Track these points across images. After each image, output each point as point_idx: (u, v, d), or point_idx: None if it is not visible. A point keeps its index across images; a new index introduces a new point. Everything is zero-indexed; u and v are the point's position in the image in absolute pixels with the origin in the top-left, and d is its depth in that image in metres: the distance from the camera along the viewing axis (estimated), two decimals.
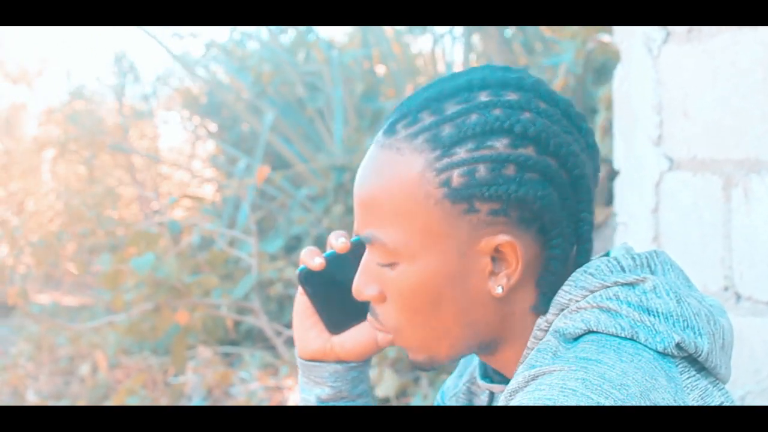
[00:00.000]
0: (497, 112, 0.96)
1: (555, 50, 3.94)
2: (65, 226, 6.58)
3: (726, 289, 1.93)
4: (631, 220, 2.20)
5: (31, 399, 4.31)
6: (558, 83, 3.19)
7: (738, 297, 1.90)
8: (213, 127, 6.29)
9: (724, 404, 0.98)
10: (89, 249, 6.24)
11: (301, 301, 1.16)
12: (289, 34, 5.59)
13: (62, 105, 7.59)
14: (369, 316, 1.07)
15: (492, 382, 1.10)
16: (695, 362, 0.98)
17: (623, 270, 1.00)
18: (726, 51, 1.90)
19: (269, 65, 5.25)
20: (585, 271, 1.00)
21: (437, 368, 1.06)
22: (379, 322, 1.05)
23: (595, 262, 1.01)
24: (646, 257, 1.02)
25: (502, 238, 0.96)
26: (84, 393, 4.29)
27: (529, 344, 1.01)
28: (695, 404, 0.96)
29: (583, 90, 3.24)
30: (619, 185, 2.28)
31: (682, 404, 0.93)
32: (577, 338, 0.97)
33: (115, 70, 7.19)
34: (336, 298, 1.13)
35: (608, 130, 2.72)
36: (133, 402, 3.69)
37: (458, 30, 4.75)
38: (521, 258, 0.97)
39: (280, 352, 3.72)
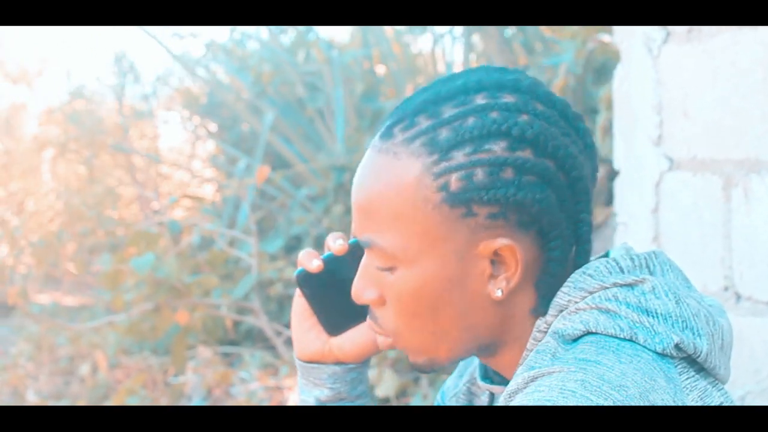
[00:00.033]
0: (494, 115, 0.96)
1: (555, 50, 3.93)
2: (65, 225, 6.58)
3: (726, 289, 1.93)
4: (631, 220, 2.20)
5: (31, 399, 4.31)
6: (558, 83, 3.19)
7: (738, 297, 1.90)
8: (213, 127, 6.29)
9: (723, 404, 0.98)
10: (89, 249, 6.24)
11: (299, 303, 1.16)
12: (289, 34, 5.59)
13: (62, 105, 7.59)
14: (369, 320, 1.07)
15: (492, 383, 1.10)
16: (694, 363, 0.98)
17: (622, 271, 1.00)
18: (726, 51, 1.90)
19: (269, 65, 5.25)
20: (584, 273, 1.00)
21: (437, 370, 1.06)
22: (379, 326, 1.05)
23: (594, 264, 1.01)
24: (645, 258, 1.02)
25: (501, 242, 0.96)
26: (84, 393, 4.29)
27: (528, 346, 1.01)
28: (694, 405, 0.96)
29: (583, 90, 3.23)
30: (619, 185, 2.28)
31: (681, 405, 0.93)
32: (576, 339, 0.97)
33: (115, 70, 7.19)
34: (334, 299, 1.13)
35: (608, 130, 2.72)
36: (133, 402, 3.69)
37: (458, 30, 4.75)
38: (520, 261, 0.97)
39: (280, 352, 3.72)
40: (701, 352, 0.97)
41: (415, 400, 3.08)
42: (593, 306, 0.97)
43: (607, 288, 0.98)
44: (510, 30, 4.33)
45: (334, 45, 5.45)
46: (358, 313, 1.11)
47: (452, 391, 1.22)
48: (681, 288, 1.01)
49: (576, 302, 0.99)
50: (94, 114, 7.21)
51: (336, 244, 1.12)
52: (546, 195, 0.96)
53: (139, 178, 7.18)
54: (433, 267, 0.98)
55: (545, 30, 4.12)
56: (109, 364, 4.28)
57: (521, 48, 4.36)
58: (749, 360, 1.89)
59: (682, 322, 0.97)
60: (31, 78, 8.77)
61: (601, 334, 0.96)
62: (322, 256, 1.13)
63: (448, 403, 1.22)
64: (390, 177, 0.98)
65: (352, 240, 1.11)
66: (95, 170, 7.22)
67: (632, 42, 2.15)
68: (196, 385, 3.76)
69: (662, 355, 0.95)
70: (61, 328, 4.56)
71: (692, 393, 0.96)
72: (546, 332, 1.00)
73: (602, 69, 3.32)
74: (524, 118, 0.96)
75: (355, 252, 1.08)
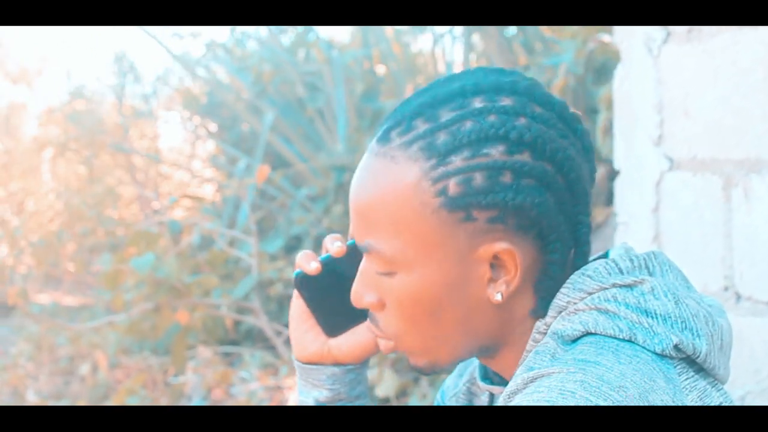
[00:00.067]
0: (492, 118, 0.95)
1: (555, 50, 3.93)
2: (65, 225, 6.58)
3: (726, 288, 1.93)
4: (631, 220, 2.20)
5: (31, 399, 4.31)
6: (558, 83, 3.19)
7: (738, 297, 1.90)
8: (213, 127, 6.29)
9: (722, 405, 0.98)
10: (89, 249, 6.24)
11: (298, 305, 1.16)
12: (289, 34, 5.59)
13: (62, 105, 7.59)
14: (369, 323, 1.06)
15: (492, 383, 1.10)
16: (693, 363, 0.98)
17: (621, 272, 1.00)
18: (726, 50, 1.90)
19: (269, 65, 5.25)
20: (583, 274, 1.00)
21: (438, 372, 1.06)
22: (379, 329, 1.04)
23: (593, 265, 1.01)
24: (645, 258, 1.02)
25: (501, 246, 0.96)
26: (84, 393, 4.29)
27: (527, 347, 1.01)
28: (694, 405, 0.95)
29: (583, 90, 3.23)
30: (619, 185, 2.28)
31: (681, 405, 0.93)
32: (575, 340, 0.97)
33: (115, 69, 7.20)
34: (332, 301, 1.13)
35: (609, 130, 2.72)
36: (133, 402, 3.69)
37: (458, 30, 4.75)
38: (520, 265, 0.97)
39: (280, 352, 3.72)
40: (700, 353, 0.97)
41: (413, 400, 3.08)
42: (592, 307, 0.97)
43: (607, 289, 0.98)
44: (510, 30, 4.33)
45: (334, 45, 5.45)
46: (356, 315, 1.11)
47: (452, 390, 1.22)
48: (680, 288, 1.01)
49: (575, 303, 0.99)
50: (94, 114, 7.21)
51: (334, 246, 1.11)
52: (545, 198, 0.96)
53: (139, 178, 7.18)
54: (433, 271, 0.98)
55: (545, 30, 4.11)
56: (109, 364, 4.28)
57: (521, 48, 4.36)
58: (749, 360, 1.89)
59: (682, 322, 0.97)
60: (31, 78, 8.77)
61: (600, 334, 0.96)
62: (320, 258, 1.13)
63: (447, 403, 1.22)
64: (388, 182, 0.97)
65: (350, 241, 1.11)
66: (95, 170, 7.22)
67: (632, 42, 2.15)
68: (196, 385, 3.76)
69: (661, 356, 0.95)
70: (61, 328, 4.56)
71: (691, 393, 0.96)
72: (545, 333, 1.00)
73: (602, 69, 3.32)
74: (522, 121, 0.96)
75: (354, 253, 1.08)
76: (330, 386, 1.15)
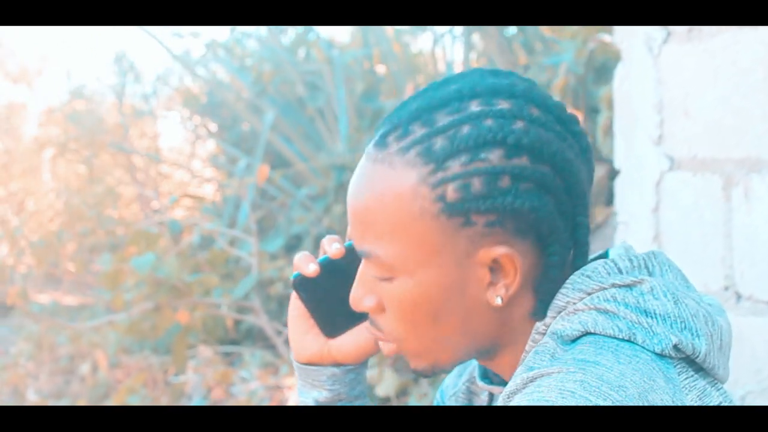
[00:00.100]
0: (489, 122, 0.95)
1: (555, 50, 3.93)
2: (65, 225, 6.58)
3: (726, 288, 1.93)
4: (631, 220, 2.20)
5: (32, 398, 4.31)
6: (558, 83, 3.19)
7: (738, 296, 1.90)
8: (213, 126, 6.29)
9: (722, 404, 0.98)
10: (89, 248, 6.24)
11: (296, 306, 1.15)
12: (289, 33, 5.59)
13: (62, 104, 7.59)
14: (369, 326, 1.06)
15: (491, 383, 1.10)
16: (693, 363, 0.98)
17: (620, 272, 1.00)
18: (727, 50, 1.90)
19: (269, 64, 5.25)
20: (582, 274, 1.00)
21: (438, 374, 1.06)
22: (380, 331, 1.04)
23: (593, 265, 1.00)
24: (644, 258, 1.02)
25: (500, 250, 0.96)
26: (84, 392, 4.30)
27: (527, 347, 1.01)
28: (693, 405, 0.95)
29: (584, 90, 3.23)
30: (619, 185, 2.28)
31: (680, 405, 0.93)
32: (574, 340, 0.97)
33: (115, 69, 7.20)
34: (331, 302, 1.12)
35: (610, 129, 2.72)
36: (133, 401, 3.69)
37: (458, 29, 4.75)
38: (519, 268, 0.96)
39: (281, 352, 3.72)
40: (700, 353, 0.97)
41: (413, 399, 3.08)
42: (592, 306, 0.97)
43: (606, 289, 0.98)
44: (510, 30, 4.33)
45: (335, 45, 5.45)
46: (356, 315, 1.10)
47: (452, 390, 1.22)
48: (680, 288, 1.01)
49: (574, 303, 0.99)
50: (94, 114, 7.21)
51: (332, 247, 1.11)
52: (543, 202, 0.95)
53: (140, 178, 7.18)
54: (432, 276, 0.98)
55: (545, 30, 4.11)
56: (109, 364, 4.28)
57: (521, 48, 4.36)
58: (750, 359, 1.89)
59: (681, 322, 0.97)
60: (31, 77, 8.77)
61: (599, 334, 0.96)
62: (318, 260, 1.13)
63: (447, 402, 1.22)
64: (386, 188, 0.97)
65: (347, 243, 1.11)
66: (95, 170, 7.22)
67: (633, 41, 2.15)
68: (196, 384, 3.76)
69: (661, 356, 0.95)
70: (61, 327, 4.56)
71: (691, 393, 0.96)
72: (544, 333, 1.00)
73: (603, 68, 3.32)
74: (520, 125, 0.95)
75: (352, 254, 1.08)
76: (330, 386, 1.15)
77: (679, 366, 0.96)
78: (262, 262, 4.01)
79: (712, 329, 0.99)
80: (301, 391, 1.18)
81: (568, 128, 0.99)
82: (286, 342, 3.75)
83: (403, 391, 3.19)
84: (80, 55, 13.12)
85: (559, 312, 0.99)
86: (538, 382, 0.92)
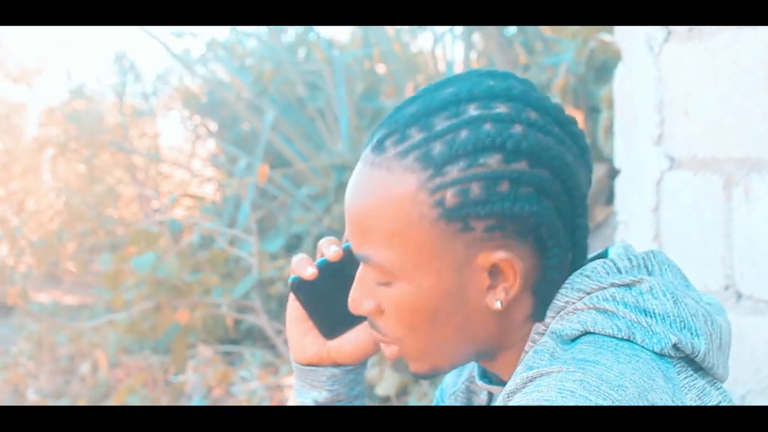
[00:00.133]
0: (487, 127, 0.94)
1: (555, 49, 3.93)
2: (65, 225, 6.58)
3: (727, 288, 1.93)
4: (631, 219, 2.20)
5: (32, 398, 4.31)
6: (559, 82, 3.19)
7: (739, 296, 1.90)
8: (213, 126, 6.29)
9: (721, 403, 0.98)
10: (89, 248, 6.24)
11: (294, 308, 1.15)
12: (289, 33, 5.59)
13: (62, 104, 7.59)
14: (370, 329, 1.06)
15: (490, 382, 1.10)
16: (692, 362, 0.98)
17: (619, 271, 1.00)
18: (727, 50, 1.90)
19: (270, 64, 5.25)
20: (581, 274, 1.00)
21: (437, 377, 1.06)
22: (382, 334, 1.04)
23: (592, 265, 1.00)
24: (643, 258, 1.02)
25: (500, 255, 0.96)
26: (84, 392, 4.30)
27: (526, 347, 1.01)
28: (693, 404, 0.96)
29: (584, 89, 3.23)
30: (619, 184, 2.28)
31: (680, 404, 0.93)
32: (574, 339, 0.97)
33: (115, 69, 7.20)
34: (329, 304, 1.12)
35: (611, 129, 2.72)
36: (133, 401, 3.69)
37: (458, 29, 4.75)
38: (519, 273, 0.96)
39: (281, 351, 3.72)
40: (699, 352, 0.97)
41: (413, 399, 3.08)
42: (591, 306, 0.97)
43: (605, 288, 0.98)
44: (510, 29, 4.33)
45: (335, 44, 5.45)
46: (354, 316, 1.10)
47: (451, 388, 1.22)
48: (679, 287, 1.01)
49: (573, 303, 0.99)
50: (94, 113, 7.21)
51: (330, 250, 1.10)
52: (543, 206, 0.95)
53: (140, 178, 7.18)
54: (431, 281, 0.97)
55: (545, 29, 4.11)
56: (109, 363, 4.28)
57: (521, 47, 4.36)
58: (750, 359, 1.89)
59: (680, 321, 0.97)
60: (31, 77, 8.77)
61: (599, 334, 0.96)
62: (315, 262, 1.12)
63: (447, 401, 1.22)
64: (384, 193, 0.96)
65: (345, 244, 1.11)
66: (95, 169, 7.22)
67: (633, 41, 2.15)
68: (196, 384, 3.76)
69: (660, 355, 0.95)
70: (61, 327, 4.56)
71: (690, 392, 0.96)
72: (544, 333, 0.99)
73: (603, 68, 3.32)
74: (518, 129, 0.95)
75: (350, 256, 1.07)
76: (329, 387, 1.15)
77: (678, 365, 0.97)
78: (262, 262, 4.01)
79: (712, 328, 0.99)
80: (299, 392, 1.17)
81: (566, 130, 0.98)
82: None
83: (403, 391, 3.19)
84: (80, 54, 13.13)
85: (559, 312, 0.99)
86: (537, 382, 0.92)
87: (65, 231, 6.16)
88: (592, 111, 3.24)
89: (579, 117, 3.02)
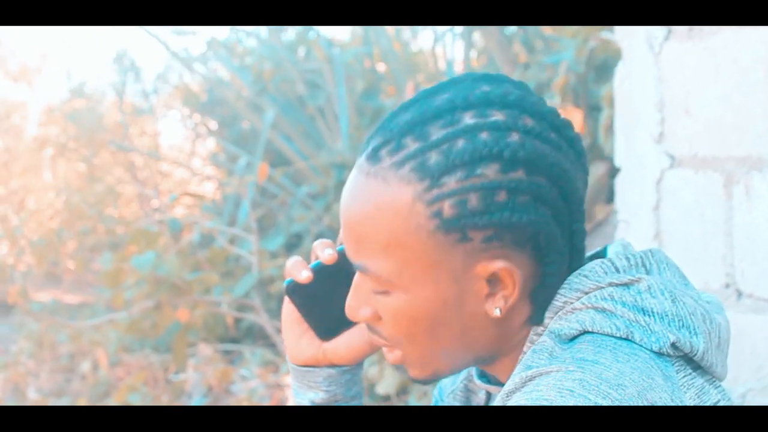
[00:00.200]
0: (484, 136, 0.93)
1: (556, 48, 3.93)
2: (66, 224, 6.58)
3: (727, 286, 1.93)
4: (632, 218, 2.20)
5: (32, 396, 4.32)
6: (559, 81, 3.19)
7: (739, 294, 1.90)
8: (213, 124, 6.29)
9: (720, 402, 0.98)
10: (90, 247, 6.24)
11: (290, 311, 1.15)
12: (289, 31, 5.59)
13: (62, 103, 7.59)
14: (369, 334, 1.06)
15: (489, 382, 1.10)
16: (691, 361, 0.98)
17: (617, 271, 0.99)
18: (727, 48, 1.90)
19: (270, 63, 5.25)
20: (579, 274, 1.00)
21: (436, 381, 1.06)
22: (382, 338, 1.04)
23: (590, 265, 1.00)
24: (641, 257, 1.01)
25: (498, 265, 0.95)
26: (85, 390, 4.30)
27: (524, 348, 1.00)
28: (692, 403, 0.95)
29: (584, 88, 3.23)
30: (620, 183, 2.28)
31: (680, 403, 0.93)
32: (572, 339, 0.97)
33: (115, 67, 7.19)
34: (325, 306, 1.11)
35: (611, 128, 2.72)
36: (134, 399, 3.69)
37: (459, 28, 4.75)
38: (518, 281, 0.96)
39: (281, 350, 3.72)
40: (698, 351, 0.97)
41: (413, 398, 3.08)
42: (589, 305, 0.97)
43: (603, 288, 0.98)
44: (511, 28, 4.32)
45: (335, 43, 5.45)
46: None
47: (450, 387, 1.22)
48: (677, 286, 1.01)
49: (572, 303, 0.98)
50: (94, 112, 7.21)
51: (325, 253, 1.10)
52: (541, 213, 0.95)
53: (140, 176, 7.18)
54: (429, 290, 0.97)
55: (546, 28, 4.11)
56: (110, 362, 4.28)
57: (522, 46, 4.36)
58: (751, 357, 1.89)
59: (679, 320, 0.97)
60: (32, 76, 8.77)
61: (597, 333, 0.96)
62: (310, 265, 1.12)
63: (445, 400, 1.22)
64: (381, 204, 0.95)
65: (339, 247, 1.10)
66: (95, 168, 7.22)
67: (634, 39, 2.15)
68: (196, 382, 3.76)
69: (659, 354, 0.95)
70: (61, 325, 4.56)
71: (689, 391, 0.96)
72: (542, 334, 0.99)
73: (603, 66, 3.31)
74: (515, 137, 0.94)
75: (345, 259, 1.06)
76: (326, 388, 1.15)
77: (677, 364, 0.96)
78: (263, 261, 4.01)
79: (710, 327, 0.99)
80: (297, 393, 1.17)
81: (562, 134, 0.97)
82: None
83: (403, 390, 3.19)
84: (80, 53, 13.13)
85: (557, 312, 0.99)
86: (536, 381, 0.92)
87: (65, 230, 6.16)
88: (593, 110, 3.24)
89: (579, 116, 3.02)
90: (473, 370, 1.13)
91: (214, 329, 4.22)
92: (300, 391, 1.16)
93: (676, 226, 2.06)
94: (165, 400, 3.75)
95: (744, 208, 1.88)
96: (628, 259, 1.01)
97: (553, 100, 3.15)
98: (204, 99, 6.16)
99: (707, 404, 0.97)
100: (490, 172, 0.93)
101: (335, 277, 1.09)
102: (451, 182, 0.93)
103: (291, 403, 1.15)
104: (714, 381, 0.99)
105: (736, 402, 1.87)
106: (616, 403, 0.88)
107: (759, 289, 1.86)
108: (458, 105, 0.95)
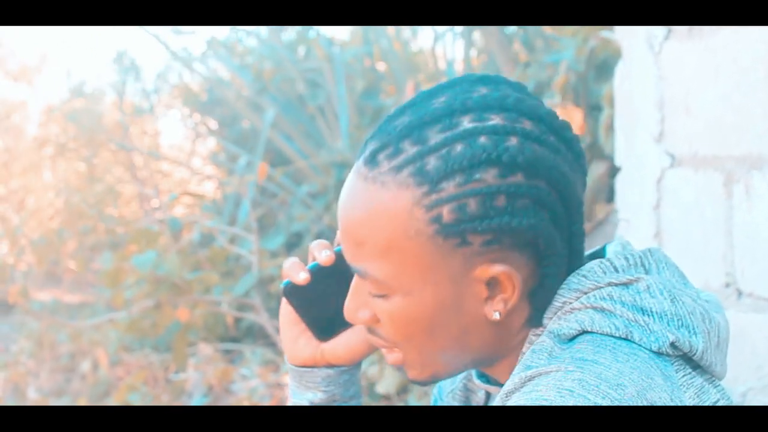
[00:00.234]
0: (483, 140, 0.93)
1: (556, 47, 3.93)
2: (66, 223, 6.58)
3: (727, 285, 1.93)
4: (632, 217, 2.20)
5: (32, 396, 4.32)
6: (559, 80, 3.19)
7: (739, 293, 1.90)
8: (213, 124, 6.29)
9: (720, 401, 0.98)
10: (90, 246, 6.24)
11: (287, 312, 1.15)
12: (289, 31, 5.59)
13: (62, 102, 7.58)
14: (369, 336, 1.06)
15: (488, 382, 1.10)
16: (690, 360, 0.98)
17: (616, 270, 0.99)
18: (727, 48, 1.90)
19: (270, 62, 5.25)
20: (578, 274, 1.00)
21: (435, 383, 1.06)
22: (382, 339, 1.03)
23: (589, 265, 1.00)
24: (640, 256, 1.01)
25: (498, 269, 0.95)
26: (85, 390, 4.30)
27: (524, 349, 1.00)
28: (691, 402, 0.96)
29: (585, 87, 3.23)
30: (620, 182, 2.28)
31: (679, 403, 0.93)
32: (572, 339, 0.97)
33: (115, 67, 7.19)
34: (322, 307, 1.11)
35: (611, 127, 2.72)
36: (134, 399, 3.69)
37: (459, 27, 4.75)
38: (517, 284, 0.96)
39: (281, 349, 3.72)
40: (697, 350, 0.97)
41: (413, 397, 3.08)
42: (588, 305, 0.97)
43: (602, 287, 0.98)
44: (511, 27, 4.32)
45: (335, 42, 5.44)
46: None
47: (449, 387, 1.22)
48: (677, 285, 1.01)
49: (571, 303, 0.98)
50: (94, 112, 7.21)
51: (322, 255, 1.10)
52: (540, 217, 0.94)
53: (140, 176, 7.18)
54: (428, 294, 0.97)
55: (546, 27, 4.11)
56: (110, 361, 4.29)
57: (522, 45, 4.36)
58: (751, 356, 1.89)
59: (678, 320, 0.97)
60: (32, 76, 8.77)
61: (597, 333, 0.96)
62: (308, 267, 1.11)
63: (445, 399, 1.22)
64: (379, 208, 0.95)
65: (337, 248, 1.10)
66: (96, 168, 7.22)
67: (634, 39, 2.15)
68: (197, 382, 3.76)
69: (658, 354, 0.95)
70: (61, 325, 4.56)
71: (689, 390, 0.96)
72: (541, 334, 0.99)
73: (604, 66, 3.31)
74: (513, 141, 0.93)
75: (342, 259, 1.06)
76: (324, 388, 1.15)
77: (676, 363, 0.97)
78: (263, 260, 4.01)
79: (709, 326, 0.99)
80: (295, 393, 1.17)
81: (560, 137, 0.97)
82: None
83: (403, 389, 3.19)
84: (80, 53, 13.13)
85: (556, 312, 0.99)
86: (536, 381, 0.92)
87: (65, 229, 6.16)
88: (593, 109, 3.23)
89: (579, 115, 3.02)
90: (472, 370, 1.13)
91: (215, 329, 4.23)
92: (298, 392, 1.16)
93: (676, 225, 2.06)
94: (165, 400, 3.76)
95: (744, 207, 1.88)
96: (627, 258, 1.01)
97: (553, 100, 3.15)
98: (204, 98, 6.16)
99: (707, 404, 0.97)
100: (488, 176, 0.93)
101: (333, 278, 1.09)
102: (450, 187, 0.93)
103: (289, 403, 1.15)
104: (713, 380, 0.99)
105: (736, 401, 1.87)
106: (616, 403, 0.88)
107: (759, 289, 1.86)
108: (456, 108, 0.95)
